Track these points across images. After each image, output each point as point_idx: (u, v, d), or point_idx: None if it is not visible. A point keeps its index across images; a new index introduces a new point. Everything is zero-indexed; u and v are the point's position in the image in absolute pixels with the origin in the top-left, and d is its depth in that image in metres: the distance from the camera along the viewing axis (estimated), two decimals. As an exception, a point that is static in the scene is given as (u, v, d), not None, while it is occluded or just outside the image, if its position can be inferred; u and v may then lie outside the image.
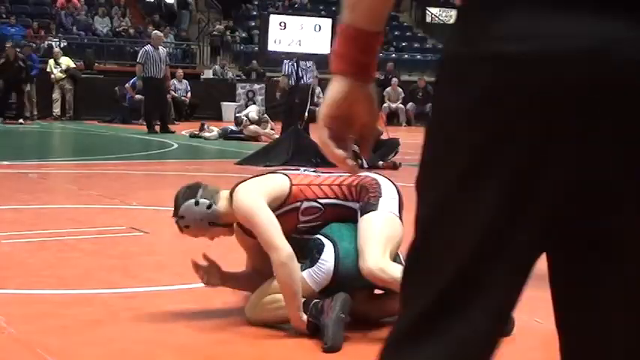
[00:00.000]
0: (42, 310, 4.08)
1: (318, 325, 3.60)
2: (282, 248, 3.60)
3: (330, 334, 3.51)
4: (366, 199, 3.85)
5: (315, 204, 3.88)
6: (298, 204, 3.86)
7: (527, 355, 3.67)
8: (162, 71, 17.65)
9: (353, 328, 3.70)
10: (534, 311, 4.22)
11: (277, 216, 3.75)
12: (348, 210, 3.89)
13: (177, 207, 3.96)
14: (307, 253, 3.79)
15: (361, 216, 3.81)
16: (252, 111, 16.87)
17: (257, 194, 3.77)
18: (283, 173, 3.97)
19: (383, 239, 3.70)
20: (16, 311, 4.04)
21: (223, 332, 3.78)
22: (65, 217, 6.88)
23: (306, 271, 3.74)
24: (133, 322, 3.90)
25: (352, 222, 3.84)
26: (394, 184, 4.00)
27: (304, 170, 4.06)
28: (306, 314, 3.67)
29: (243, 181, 3.92)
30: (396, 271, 3.55)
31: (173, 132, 17.59)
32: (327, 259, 3.72)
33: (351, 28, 1.43)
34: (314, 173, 4.01)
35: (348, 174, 3.89)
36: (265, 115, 16.90)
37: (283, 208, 3.83)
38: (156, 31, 19.89)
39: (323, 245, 3.77)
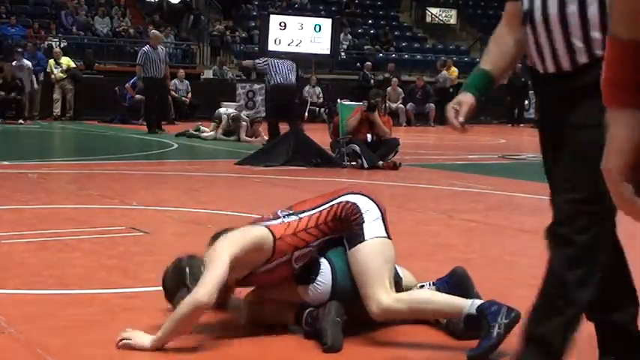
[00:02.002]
0: (42, 310, 4.08)
1: (315, 332, 3.61)
2: (206, 295, 3.45)
3: (329, 334, 3.52)
4: (349, 229, 3.78)
5: (306, 249, 3.77)
6: (288, 256, 3.73)
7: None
8: (162, 71, 17.71)
9: (352, 331, 3.70)
10: (534, 311, 4.23)
11: (267, 271, 3.70)
12: (338, 239, 3.84)
13: (170, 295, 3.81)
14: (304, 269, 3.78)
15: (349, 248, 3.75)
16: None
17: (229, 248, 3.59)
18: (266, 226, 3.75)
19: (379, 273, 3.67)
20: (16, 311, 4.03)
21: (224, 332, 3.78)
22: (65, 217, 6.88)
23: (302, 286, 3.75)
24: (133, 322, 3.89)
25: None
26: (374, 200, 3.88)
27: (283, 215, 3.84)
28: (301, 324, 3.70)
29: (221, 233, 3.78)
30: (401, 304, 3.62)
31: (164, 131, 17.71)
32: (324, 280, 3.74)
33: None
34: (295, 217, 3.81)
35: (325, 205, 3.84)
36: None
37: (272, 263, 3.70)
38: (154, 31, 19.89)
39: (319, 264, 3.77)
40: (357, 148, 11.58)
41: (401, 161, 11.72)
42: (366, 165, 11.43)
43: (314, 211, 3.83)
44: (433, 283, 4.02)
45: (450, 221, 7.30)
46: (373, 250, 3.73)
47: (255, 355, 3.55)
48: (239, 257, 3.58)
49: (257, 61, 15.18)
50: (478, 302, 3.58)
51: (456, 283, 3.90)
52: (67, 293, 4.45)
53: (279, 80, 14.39)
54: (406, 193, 9.50)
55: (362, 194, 3.90)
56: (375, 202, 3.87)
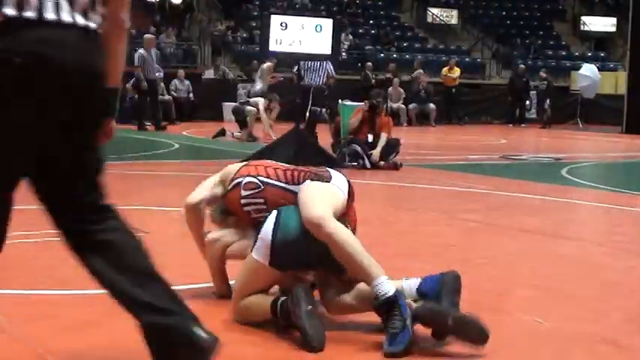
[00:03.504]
0: (43, 311, 4.09)
1: (291, 324, 3.61)
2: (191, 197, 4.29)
3: (310, 333, 3.50)
4: (315, 174, 3.96)
5: (254, 180, 4.08)
6: (241, 179, 4.12)
7: (527, 355, 3.67)
8: (155, 72, 18.71)
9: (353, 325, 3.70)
10: (534, 311, 4.24)
11: (226, 193, 4.20)
12: (292, 194, 3.93)
13: None
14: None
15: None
16: (260, 103, 16.81)
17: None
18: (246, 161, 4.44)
19: (327, 200, 3.76)
20: (18, 311, 4.04)
21: (226, 332, 3.78)
22: (66, 217, 6.87)
23: (253, 249, 3.78)
24: (135, 323, 3.90)
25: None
26: (347, 180, 4.04)
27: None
28: (275, 316, 3.69)
29: None
30: (334, 227, 3.59)
31: (147, 130, 18.39)
32: (267, 225, 3.76)
33: None
34: (283, 165, 4.21)
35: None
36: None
37: (231, 183, 4.16)
38: (147, 35, 20.03)
39: (268, 215, 3.83)
40: (359, 149, 11.59)
41: (402, 161, 11.73)
42: (368, 165, 11.44)
43: (294, 167, 4.15)
44: (422, 278, 3.87)
45: (451, 221, 7.31)
46: (329, 188, 3.86)
47: (259, 356, 3.56)
48: (221, 178, 4.30)
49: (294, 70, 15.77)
50: (390, 286, 3.51)
51: (442, 286, 3.68)
52: (69, 294, 4.46)
53: (305, 82, 14.89)
54: (407, 193, 9.51)
55: (340, 172, 4.08)
56: (348, 182, 4.01)
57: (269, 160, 4.30)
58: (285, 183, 4.01)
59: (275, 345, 3.62)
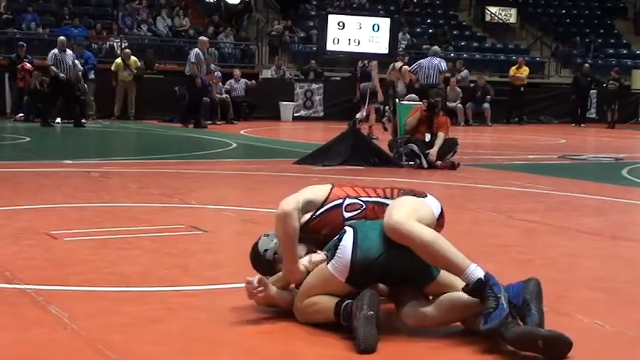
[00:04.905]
0: (103, 307, 4.14)
1: (351, 329, 3.60)
2: (290, 204, 3.90)
3: (360, 336, 3.50)
4: (411, 190, 4.08)
5: (357, 200, 4.06)
6: (340, 201, 4.06)
7: (588, 359, 3.62)
8: (204, 73, 19.70)
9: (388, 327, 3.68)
10: (595, 314, 4.17)
11: (320, 215, 4.01)
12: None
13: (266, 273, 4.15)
14: (332, 245, 3.85)
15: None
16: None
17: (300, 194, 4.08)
18: (331, 182, 4.25)
19: (411, 209, 3.83)
20: (78, 307, 4.10)
21: (282, 331, 3.80)
22: (126, 215, 6.97)
23: (330, 263, 3.78)
24: (192, 320, 3.94)
25: None
26: (441, 205, 4.11)
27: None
28: (338, 317, 3.70)
29: None
30: (416, 227, 3.67)
31: (206, 127, 19.13)
32: (346, 243, 3.76)
33: None
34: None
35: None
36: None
37: (325, 206, 4.04)
38: (201, 37, 20.45)
39: (344, 232, 3.83)
40: (416, 148, 11.54)
41: (459, 161, 11.66)
42: (424, 165, 11.39)
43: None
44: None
45: (509, 222, 7.24)
46: (416, 201, 3.96)
47: (316, 355, 3.56)
48: (306, 198, 4.01)
49: (411, 68, 15.91)
50: (480, 272, 3.60)
51: (527, 294, 3.65)
52: (128, 290, 4.51)
53: (421, 82, 15.13)
54: (465, 193, 9.45)
55: (438, 201, 4.14)
56: (439, 203, 4.10)
57: (358, 183, 4.29)
58: (384, 198, 4.06)
59: (336, 345, 3.61)
